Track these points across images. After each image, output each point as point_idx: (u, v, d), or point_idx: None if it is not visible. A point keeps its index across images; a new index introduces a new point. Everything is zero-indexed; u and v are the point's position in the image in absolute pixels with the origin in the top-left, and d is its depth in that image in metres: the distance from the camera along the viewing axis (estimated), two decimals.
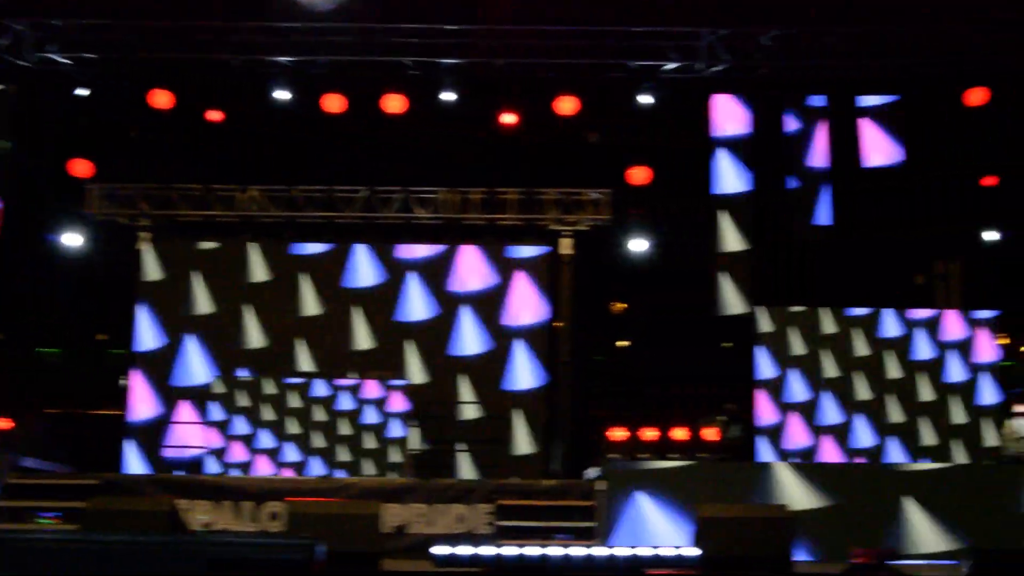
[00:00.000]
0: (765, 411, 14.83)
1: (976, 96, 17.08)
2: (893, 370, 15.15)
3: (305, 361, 16.79)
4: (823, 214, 16.90)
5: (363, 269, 17.30)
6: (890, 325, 15.33)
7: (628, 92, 16.88)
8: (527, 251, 17.30)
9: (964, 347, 15.49)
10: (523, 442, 16.48)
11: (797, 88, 17.12)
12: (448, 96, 16.88)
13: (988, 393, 15.42)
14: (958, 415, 15.26)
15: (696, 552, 9.24)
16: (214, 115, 17.33)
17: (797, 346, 15.04)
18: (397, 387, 15.08)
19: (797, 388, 14.88)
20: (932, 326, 15.49)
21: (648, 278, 17.74)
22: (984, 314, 15.81)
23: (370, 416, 14.79)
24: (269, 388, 14.88)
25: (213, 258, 17.35)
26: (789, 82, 17.02)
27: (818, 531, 12.41)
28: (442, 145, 17.50)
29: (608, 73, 16.79)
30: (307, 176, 17.38)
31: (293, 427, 14.71)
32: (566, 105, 17.05)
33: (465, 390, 16.66)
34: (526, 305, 17.05)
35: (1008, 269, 17.93)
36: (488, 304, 17.06)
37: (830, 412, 14.94)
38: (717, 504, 11.71)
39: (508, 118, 17.41)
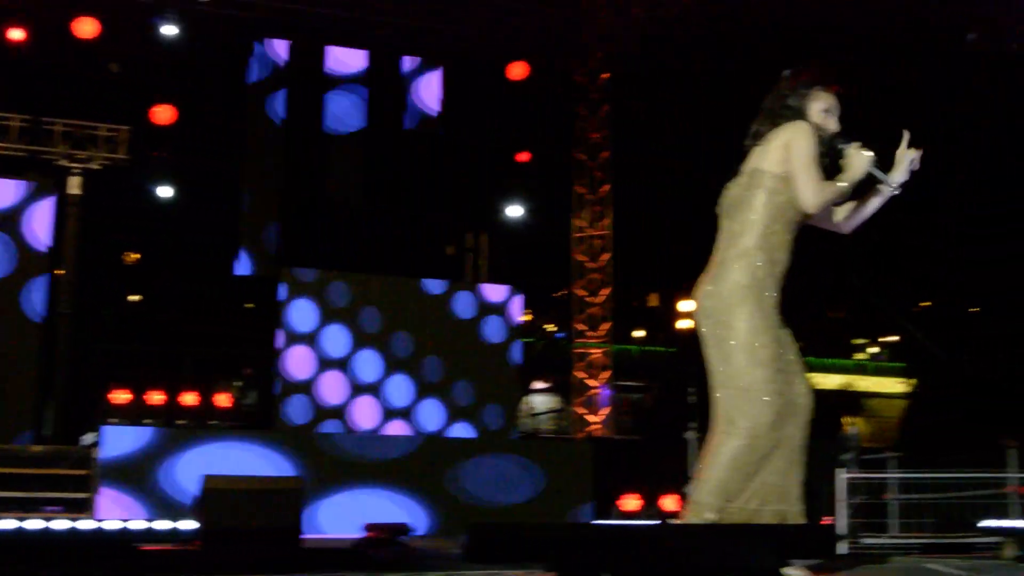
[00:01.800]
0: (291, 374, 14.82)
1: (517, 70, 17.98)
2: (425, 336, 15.63)
3: None
4: (357, 174, 17.10)
5: None
6: (420, 293, 15.79)
7: (155, 22, 16.23)
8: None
9: (489, 320, 16.23)
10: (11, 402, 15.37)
11: (335, 41, 17.18)
12: None
13: (509, 367, 16.26)
14: (486, 383, 15.99)
15: (195, 525, 9.01)
16: None
17: (325, 311, 15.13)
18: None
19: (325, 352, 14.99)
20: (459, 297, 16.10)
21: (167, 228, 17.22)
22: (507, 289, 16.63)
23: None
24: None
25: None
26: (325, 33, 17.05)
27: (334, 503, 12.67)
28: None
29: None
30: None
31: None
32: (85, 27, 16.10)
33: None
34: None
35: (533, 246, 19.14)
36: None
37: (362, 375, 15.17)
38: (223, 475, 11.54)
39: (16, 34, 16.18)
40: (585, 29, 18.40)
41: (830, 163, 5.88)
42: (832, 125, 5.98)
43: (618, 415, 18.41)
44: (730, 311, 5.71)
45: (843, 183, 5.80)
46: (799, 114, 5.94)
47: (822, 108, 5.98)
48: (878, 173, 5.90)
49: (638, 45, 18.24)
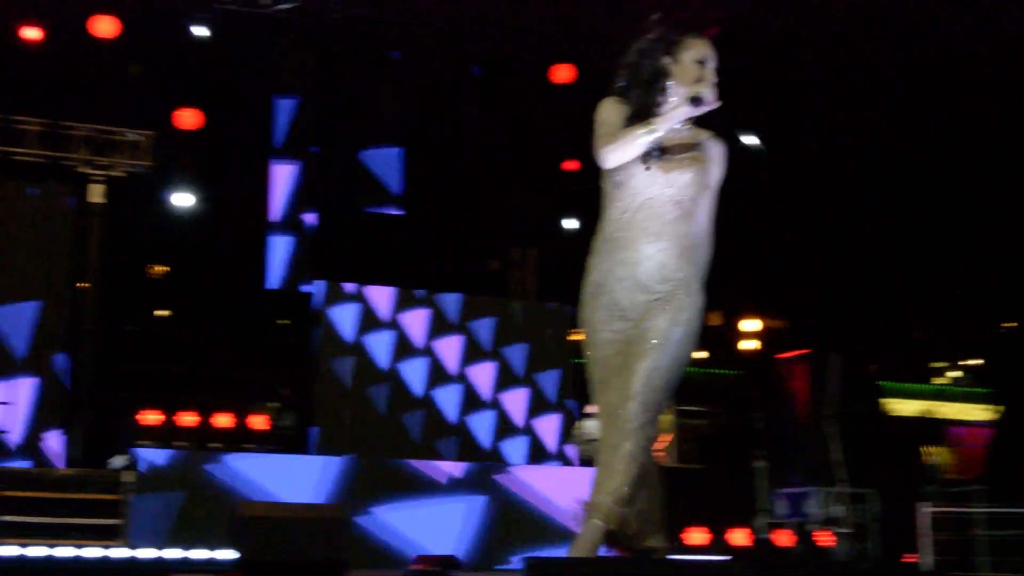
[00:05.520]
0: (325, 397, 15.09)
1: (562, 74, 18.09)
2: (464, 358, 15.93)
3: None
4: (394, 184, 17.37)
5: None
6: (463, 311, 16.08)
7: (180, 22, 16.49)
8: None
9: (537, 340, 16.49)
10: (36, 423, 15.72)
11: (373, 40, 17.43)
12: None
13: (557, 391, 16.53)
14: (523, 411, 16.27)
15: (232, 555, 9.34)
16: None
17: (362, 327, 15.44)
18: None
19: (361, 372, 15.28)
20: (505, 315, 16.37)
21: (194, 238, 17.51)
22: (559, 307, 16.88)
23: None
24: None
25: None
26: (365, 32, 17.28)
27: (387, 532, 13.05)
28: None
29: None
30: None
31: None
32: (103, 26, 16.35)
33: None
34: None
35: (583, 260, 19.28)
36: None
37: (398, 399, 15.48)
38: (261, 502, 11.90)
39: (32, 33, 16.45)
40: (633, 28, 18.49)
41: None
42: (709, 76, 5.47)
43: (681, 442, 18.50)
44: (582, 314, 5.78)
45: (646, 126, 5.35)
46: (659, 71, 5.51)
47: (695, 58, 5.52)
48: (692, 101, 5.37)
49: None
